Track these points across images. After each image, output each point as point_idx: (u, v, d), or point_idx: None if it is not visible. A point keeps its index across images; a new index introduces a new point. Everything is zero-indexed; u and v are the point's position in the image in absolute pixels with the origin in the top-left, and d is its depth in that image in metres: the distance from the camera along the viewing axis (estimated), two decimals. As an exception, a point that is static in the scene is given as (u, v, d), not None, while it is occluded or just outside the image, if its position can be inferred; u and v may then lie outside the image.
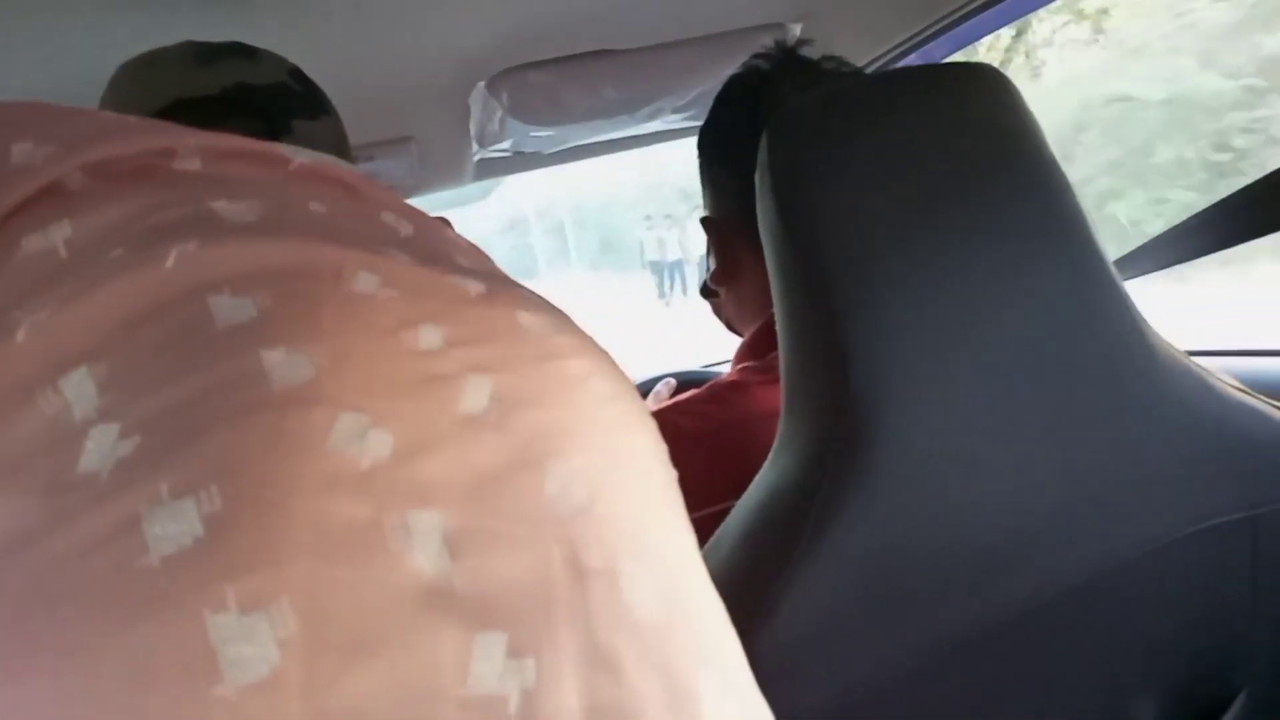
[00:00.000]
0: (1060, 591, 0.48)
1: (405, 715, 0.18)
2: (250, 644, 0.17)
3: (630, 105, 1.20)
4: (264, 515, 0.19)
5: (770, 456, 0.50)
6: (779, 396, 0.69)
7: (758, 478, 0.50)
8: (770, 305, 0.77)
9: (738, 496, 0.52)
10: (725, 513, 0.52)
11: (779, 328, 0.51)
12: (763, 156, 0.50)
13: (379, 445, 0.21)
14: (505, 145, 1.30)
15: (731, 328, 0.88)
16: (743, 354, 0.79)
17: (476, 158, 1.31)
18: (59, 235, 0.25)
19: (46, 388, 0.21)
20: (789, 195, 0.48)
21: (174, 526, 0.18)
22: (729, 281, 0.82)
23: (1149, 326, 0.52)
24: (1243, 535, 0.53)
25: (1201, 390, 0.52)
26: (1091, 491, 0.48)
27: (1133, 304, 0.51)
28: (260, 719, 0.17)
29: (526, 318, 0.27)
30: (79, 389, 0.21)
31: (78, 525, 0.19)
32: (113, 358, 0.21)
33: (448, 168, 1.33)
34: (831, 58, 0.78)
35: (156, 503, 0.19)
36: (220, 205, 0.26)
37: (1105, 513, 0.49)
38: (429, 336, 0.24)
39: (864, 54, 1.16)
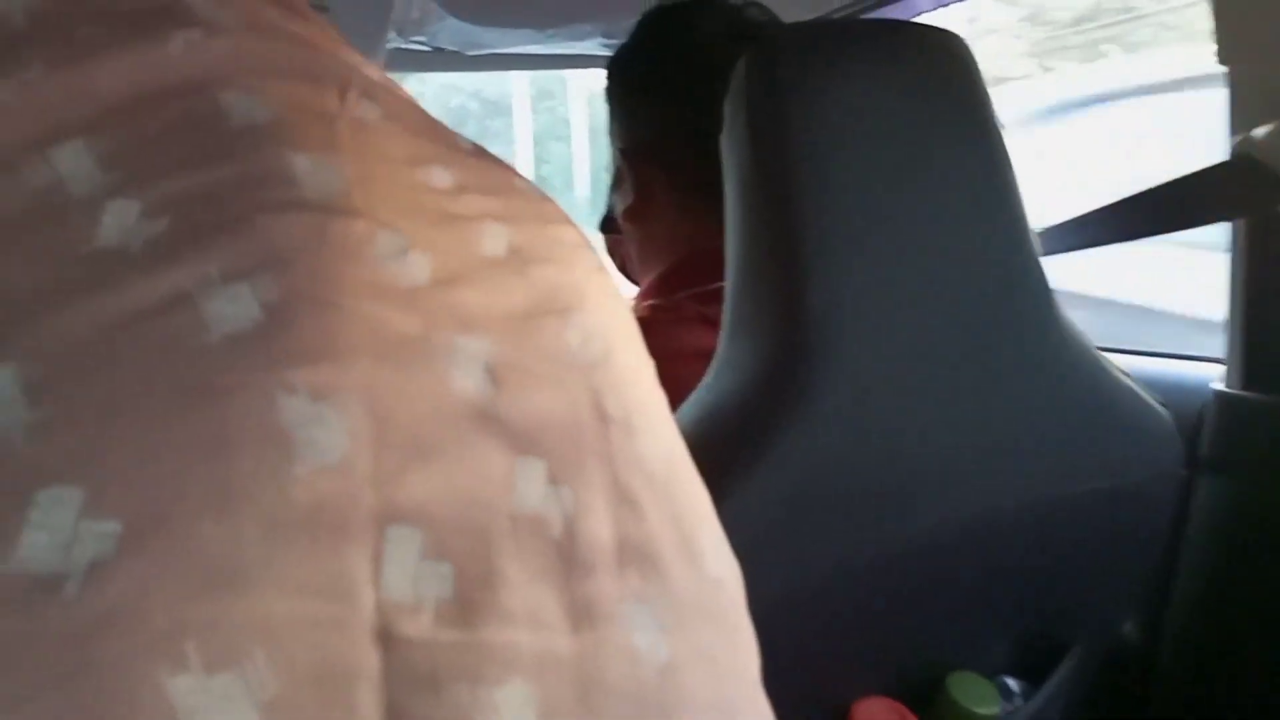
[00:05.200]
0: (952, 529, 0.52)
1: (462, 519, 0.18)
2: (322, 429, 0.17)
3: (562, 19, 1.16)
4: (321, 311, 0.18)
5: (707, 380, 0.51)
6: (685, 336, 0.70)
7: (692, 400, 0.51)
8: (680, 245, 0.78)
9: None
10: None
11: (731, 251, 0.51)
12: (739, 83, 0.50)
13: (418, 267, 0.21)
14: (423, 38, 1.24)
15: (624, 267, 0.87)
16: (650, 291, 0.78)
17: (391, 46, 1.24)
18: (17, 1, 0.22)
19: (35, 155, 0.19)
20: (763, 122, 0.48)
21: (231, 308, 0.18)
22: (641, 216, 0.80)
23: (1057, 301, 0.56)
24: (1103, 504, 0.59)
25: (1094, 368, 0.57)
26: (991, 440, 0.52)
27: (1046, 278, 0.55)
28: (335, 501, 0.17)
29: (518, 180, 0.27)
30: (74, 163, 0.19)
31: (117, 295, 0.17)
32: (114, 135, 0.20)
33: (358, 51, 1.24)
34: (755, 4, 0.78)
35: (207, 282, 0.18)
36: (200, 3, 0.24)
37: (998, 462, 0.53)
38: (440, 176, 0.24)
39: (811, 10, 1.16)
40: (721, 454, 0.45)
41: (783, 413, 0.44)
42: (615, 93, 0.81)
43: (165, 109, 0.21)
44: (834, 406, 0.45)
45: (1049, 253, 0.78)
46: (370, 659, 0.16)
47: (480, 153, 0.27)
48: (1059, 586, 0.61)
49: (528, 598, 0.19)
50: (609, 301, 0.26)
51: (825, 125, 0.48)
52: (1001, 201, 0.53)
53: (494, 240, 0.23)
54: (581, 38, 1.26)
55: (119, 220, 0.18)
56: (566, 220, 0.27)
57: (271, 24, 0.25)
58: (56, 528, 0.15)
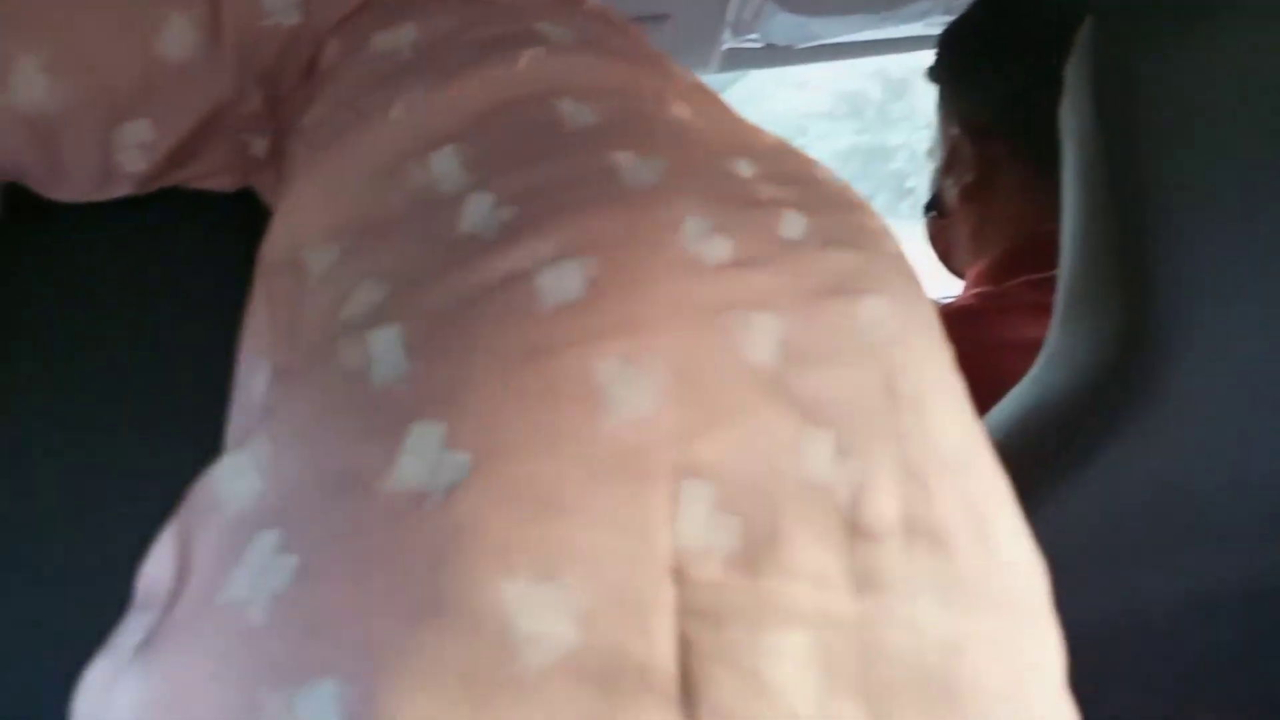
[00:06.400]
0: None
1: (752, 479, 0.20)
2: (631, 390, 0.20)
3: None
4: (635, 287, 0.21)
5: (1034, 372, 0.47)
6: (1016, 327, 0.65)
7: (1014, 394, 0.47)
8: (1020, 226, 0.72)
9: None
10: None
11: (1068, 233, 0.47)
12: (1083, 44, 0.46)
13: (720, 249, 0.22)
14: (755, 35, 1.27)
15: (947, 254, 0.84)
16: (980, 278, 0.75)
17: (725, 46, 1.28)
18: (406, 37, 0.28)
19: (416, 161, 0.24)
20: (1112, 93, 0.43)
21: (560, 284, 0.21)
22: (980, 195, 0.76)
23: None
24: None
25: None
26: None
27: None
28: (640, 452, 0.19)
29: (820, 171, 0.28)
30: (445, 165, 0.24)
31: (472, 271, 0.21)
32: (474, 141, 0.24)
33: (695, 54, 1.30)
34: None
35: (543, 261, 0.21)
36: (543, 26, 0.28)
37: None
38: (743, 167, 0.26)
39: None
40: (1042, 455, 0.41)
41: (1117, 416, 0.40)
42: (951, 67, 0.79)
43: (514, 116, 0.25)
44: (1183, 414, 0.39)
45: None
46: (666, 593, 0.18)
47: (783, 146, 0.29)
48: None
49: (811, 557, 0.20)
50: (907, 286, 0.26)
51: (1186, 93, 0.42)
52: None
53: (791, 225, 0.24)
54: (919, 17, 1.21)
55: (477, 211, 0.22)
56: (866, 208, 0.28)
57: (602, 40, 0.29)
58: (424, 454, 0.19)
